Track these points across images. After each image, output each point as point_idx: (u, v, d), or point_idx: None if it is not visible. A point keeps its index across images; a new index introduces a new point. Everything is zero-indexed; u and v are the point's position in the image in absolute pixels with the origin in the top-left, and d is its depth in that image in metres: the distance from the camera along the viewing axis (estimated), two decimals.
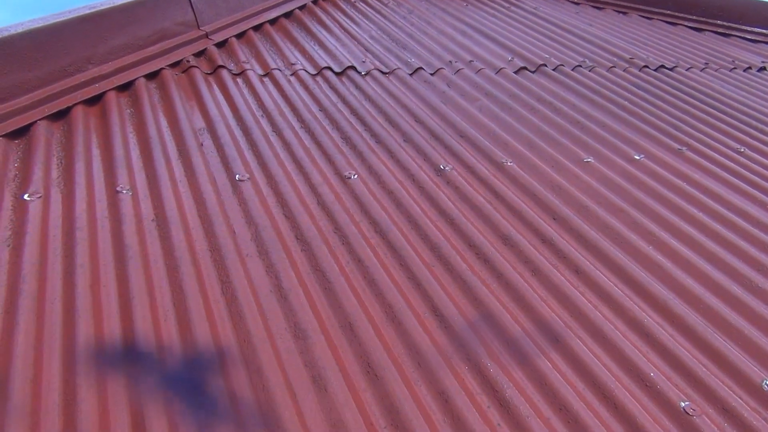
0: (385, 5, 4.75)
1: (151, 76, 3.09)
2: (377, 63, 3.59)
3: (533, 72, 3.73)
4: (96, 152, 2.45)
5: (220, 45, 3.55)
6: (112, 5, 2.98)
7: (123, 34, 3.07)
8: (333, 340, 1.74)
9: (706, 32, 5.33)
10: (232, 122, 2.78)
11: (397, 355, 1.72)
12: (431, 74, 3.54)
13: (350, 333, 1.76)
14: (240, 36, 3.72)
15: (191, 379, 1.57)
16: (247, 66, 3.30)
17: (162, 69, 3.13)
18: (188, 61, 3.24)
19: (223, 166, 2.45)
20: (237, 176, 2.38)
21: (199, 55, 3.39)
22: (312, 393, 1.56)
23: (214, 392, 1.54)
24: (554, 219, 2.38)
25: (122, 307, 1.74)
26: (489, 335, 1.81)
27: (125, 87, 2.95)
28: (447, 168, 2.62)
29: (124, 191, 2.22)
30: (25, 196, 2.11)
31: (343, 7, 4.58)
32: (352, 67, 3.47)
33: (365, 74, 3.44)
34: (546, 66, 3.79)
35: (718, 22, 5.40)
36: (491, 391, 1.64)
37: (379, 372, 1.64)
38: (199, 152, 2.52)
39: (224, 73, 3.20)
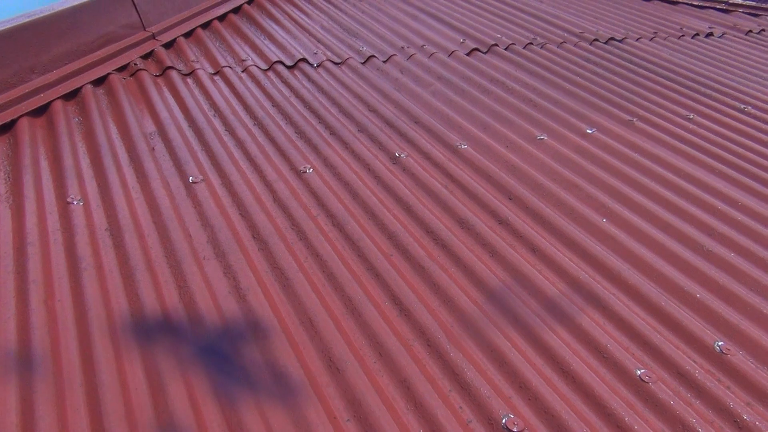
0: None
1: (98, 81, 3.04)
2: (329, 54, 3.57)
3: (485, 53, 3.75)
4: (44, 164, 2.40)
5: (168, 45, 3.50)
6: (51, 12, 2.91)
7: (66, 40, 3.01)
8: (294, 336, 1.74)
9: (655, 1, 5.40)
10: (184, 124, 2.75)
11: (358, 347, 1.73)
12: (384, 61, 3.53)
13: (311, 328, 1.77)
14: (188, 35, 3.67)
15: (151, 388, 1.56)
16: (197, 65, 3.26)
17: (109, 74, 3.08)
18: (136, 64, 3.18)
19: (176, 169, 2.43)
20: (191, 178, 2.36)
21: (146, 57, 3.33)
22: (274, 391, 1.57)
23: (175, 401, 1.53)
24: (510, 199, 2.40)
25: (78, 320, 1.73)
26: (449, 319, 1.83)
27: (72, 95, 2.90)
28: (402, 155, 2.63)
29: (75, 202, 2.19)
30: None
31: None
32: (304, 60, 3.45)
33: (317, 66, 3.42)
34: (498, 46, 3.81)
35: None
36: (452, 374, 1.66)
37: (341, 365, 1.65)
38: (150, 157, 2.49)
39: (173, 74, 3.15)
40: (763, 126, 3.11)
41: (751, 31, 4.79)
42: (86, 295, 1.81)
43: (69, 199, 2.20)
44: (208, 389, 1.56)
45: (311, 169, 2.49)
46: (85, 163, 2.43)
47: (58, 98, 2.82)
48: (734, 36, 4.68)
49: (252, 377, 1.60)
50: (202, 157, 2.52)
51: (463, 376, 1.65)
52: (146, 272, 1.91)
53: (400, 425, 1.52)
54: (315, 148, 2.64)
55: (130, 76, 3.12)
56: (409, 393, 1.60)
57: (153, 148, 2.55)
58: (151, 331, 1.71)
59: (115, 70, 3.13)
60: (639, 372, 1.69)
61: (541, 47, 3.88)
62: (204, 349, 1.67)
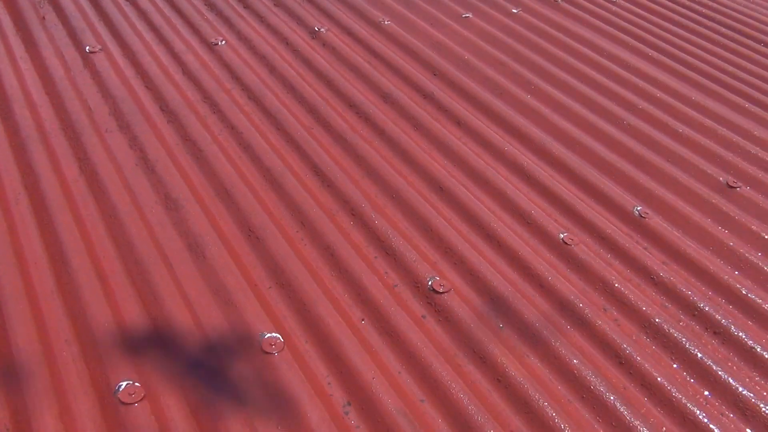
0: None
1: None
2: None
3: None
4: None
5: None
6: None
7: None
8: (209, 207, 1.64)
9: None
10: None
11: (279, 216, 1.65)
12: None
13: (227, 199, 1.66)
14: None
15: (52, 261, 1.44)
16: None
17: None
18: None
19: (71, 38, 2.19)
20: (87, 48, 2.13)
21: None
22: (188, 261, 1.48)
23: (80, 274, 1.42)
24: (435, 75, 2.32)
25: None
26: (373, 189, 1.77)
27: None
28: (322, 30, 2.48)
29: None
30: None
31: None
32: None
33: None
34: None
35: None
36: (378, 242, 1.62)
37: (261, 234, 1.57)
38: (41, 26, 2.23)
39: None
40: (684, 11, 3.12)
41: None
42: None
43: None
44: (113, 257, 1.46)
45: (224, 42, 2.30)
46: None
47: None
48: None
49: (164, 247, 1.49)
50: (99, 27, 2.28)
51: (389, 243, 1.60)
52: (40, 144, 1.73)
53: (324, 291, 1.47)
54: (227, 21, 2.44)
55: None
56: (333, 260, 1.55)
57: (43, 17, 2.29)
58: (50, 203, 1.56)
59: None
60: (562, 236, 1.70)
61: None
62: (108, 220, 1.54)
